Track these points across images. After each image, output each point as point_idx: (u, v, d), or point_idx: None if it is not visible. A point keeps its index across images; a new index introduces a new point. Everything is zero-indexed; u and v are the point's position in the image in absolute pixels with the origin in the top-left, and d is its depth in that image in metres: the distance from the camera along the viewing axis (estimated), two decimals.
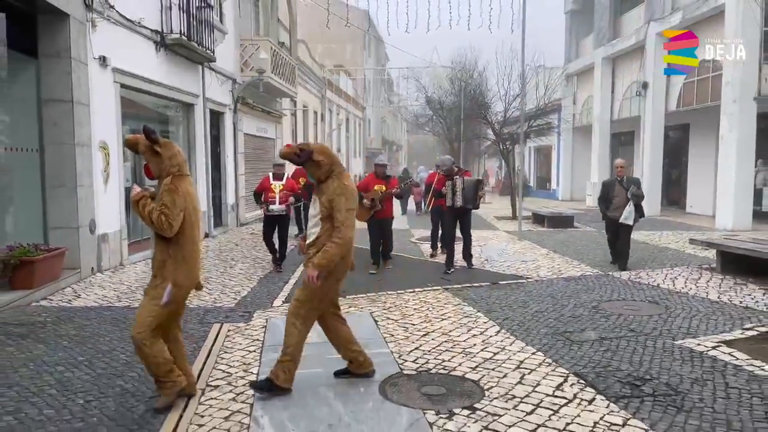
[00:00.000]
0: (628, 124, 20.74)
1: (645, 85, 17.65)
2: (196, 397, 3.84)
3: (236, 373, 4.37)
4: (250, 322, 5.80)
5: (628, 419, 3.52)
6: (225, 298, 6.87)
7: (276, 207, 8.44)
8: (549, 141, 26.61)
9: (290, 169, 9.64)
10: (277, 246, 8.67)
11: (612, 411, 3.64)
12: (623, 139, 22.99)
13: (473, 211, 8.79)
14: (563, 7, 25.52)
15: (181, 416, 3.56)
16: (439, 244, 10.12)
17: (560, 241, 11.91)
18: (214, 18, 12.24)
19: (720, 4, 13.77)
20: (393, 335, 5.31)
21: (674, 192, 19.64)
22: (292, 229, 10.07)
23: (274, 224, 8.64)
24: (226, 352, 4.87)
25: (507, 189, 22.94)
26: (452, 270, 8.40)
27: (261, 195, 8.59)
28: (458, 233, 8.86)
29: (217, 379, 4.24)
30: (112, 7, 8.27)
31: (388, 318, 5.92)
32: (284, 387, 3.83)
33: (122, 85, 8.75)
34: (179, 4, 10.28)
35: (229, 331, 5.49)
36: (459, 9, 12.32)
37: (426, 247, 10.70)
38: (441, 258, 9.38)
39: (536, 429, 3.40)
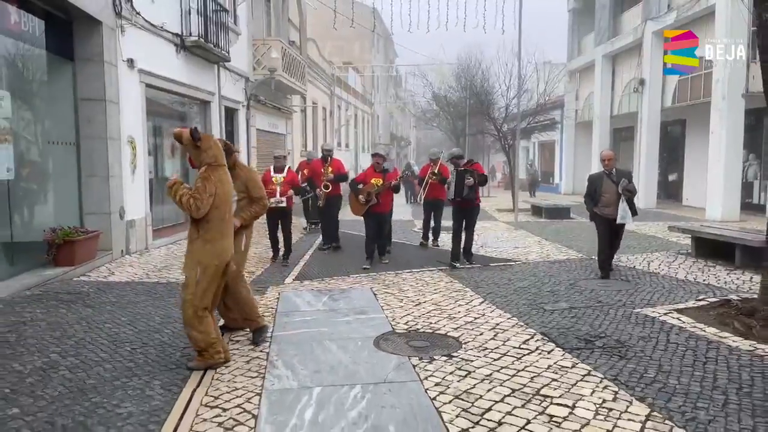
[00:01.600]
0: (628, 119, 21.34)
1: (642, 82, 18.26)
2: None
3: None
4: (265, 295, 6.59)
5: (577, 363, 4.28)
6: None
7: (274, 199, 8.14)
8: (552, 136, 27.25)
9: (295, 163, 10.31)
10: (282, 240, 8.64)
11: (565, 358, 4.40)
12: (624, 134, 23.59)
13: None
14: (566, 5, 26.08)
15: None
16: (430, 236, 10.32)
17: (554, 231, 12.62)
18: (229, 20, 13.03)
19: (711, 4, 14.37)
20: (389, 305, 6.09)
21: (672, 186, 20.25)
22: (300, 222, 10.68)
23: (277, 218, 8.55)
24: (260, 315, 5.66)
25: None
26: (458, 265, 8.21)
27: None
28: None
29: (239, 336, 5.03)
30: (139, 13, 9.07)
31: (386, 292, 6.69)
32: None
33: (147, 85, 9.57)
34: (197, 9, 11.09)
35: None
36: (458, 11, 12.97)
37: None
38: (433, 249, 9.94)
39: (500, 369, 4.17)
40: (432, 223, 10.27)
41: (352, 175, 17.35)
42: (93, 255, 7.68)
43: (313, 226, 12.01)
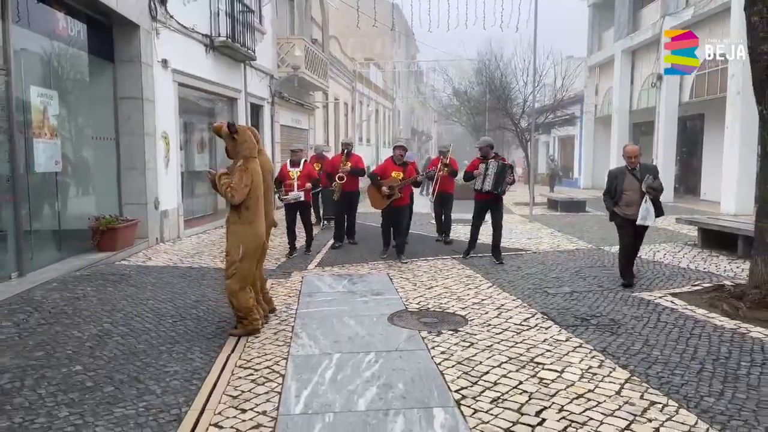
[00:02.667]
0: (647, 114, 21.45)
1: (660, 77, 18.39)
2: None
3: (280, 308, 5.71)
4: (290, 279, 7.14)
5: (570, 338, 4.73)
6: (267, 263, 8.20)
7: (293, 194, 8.34)
8: (572, 131, 27.41)
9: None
10: (301, 233, 8.76)
11: (561, 333, 4.86)
12: (644, 129, 23.65)
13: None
14: (586, 0, 26.16)
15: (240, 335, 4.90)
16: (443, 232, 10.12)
17: (567, 223, 12.97)
18: (255, 20, 13.60)
19: (727, 0, 14.50)
20: (403, 288, 6.58)
21: (691, 180, 20.35)
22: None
23: (295, 211, 8.67)
24: (272, 297, 6.21)
25: (535, 178, 23.95)
26: (470, 256, 8.32)
27: (281, 183, 8.50)
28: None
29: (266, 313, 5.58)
30: (172, 16, 9.68)
31: (401, 277, 7.19)
32: None
33: (179, 84, 10.19)
34: (226, 10, 11.67)
35: (272, 284, 6.83)
36: (476, 9, 13.35)
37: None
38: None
39: (500, 341, 4.65)
40: (443, 218, 10.07)
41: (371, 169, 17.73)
42: (132, 242, 8.33)
43: (326, 222, 11.81)
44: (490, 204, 8.10)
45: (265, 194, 4.93)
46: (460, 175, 9.13)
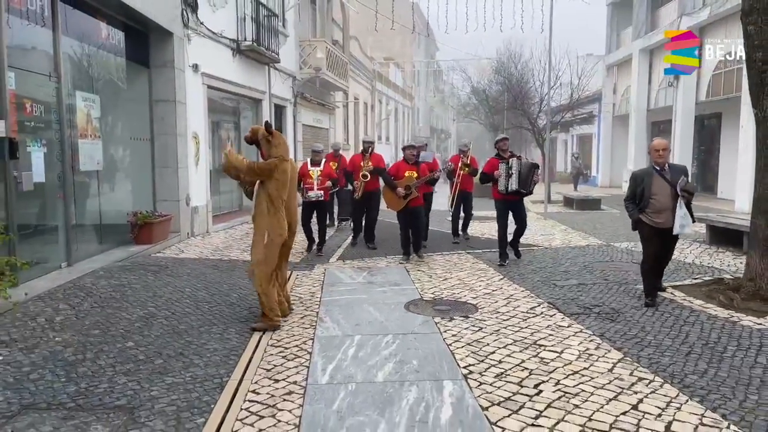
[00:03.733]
0: (665, 113, 21.55)
1: (677, 77, 18.51)
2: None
3: (306, 296, 6.21)
4: (313, 271, 7.63)
5: (572, 324, 5.14)
6: (290, 256, 8.72)
7: (313, 193, 8.47)
8: (590, 129, 27.53)
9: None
10: (316, 231, 8.87)
11: (564, 319, 5.27)
12: (662, 127, 23.72)
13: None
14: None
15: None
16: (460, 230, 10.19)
17: (581, 221, 13.29)
18: (278, 24, 14.13)
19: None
20: (419, 279, 7.04)
21: (709, 178, 20.43)
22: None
23: (312, 210, 8.74)
24: (297, 287, 6.71)
25: (552, 177, 24.11)
26: (507, 261, 7.94)
27: (300, 182, 8.38)
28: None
29: (294, 300, 6.06)
30: (203, 23, 10.24)
31: (418, 270, 7.64)
32: None
33: (208, 86, 10.75)
34: (251, 16, 12.21)
35: (297, 276, 7.33)
36: (494, 11, 13.69)
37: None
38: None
39: (507, 327, 5.08)
40: (462, 214, 10.13)
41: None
42: (166, 236, 8.90)
43: (343, 222, 11.67)
44: (513, 204, 7.89)
45: (289, 196, 5.34)
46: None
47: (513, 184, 7.61)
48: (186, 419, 3.35)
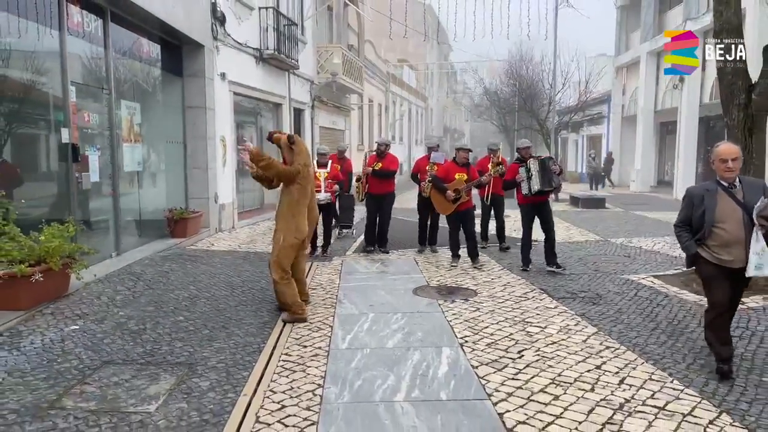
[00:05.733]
0: (672, 114, 22.09)
1: (682, 79, 19.08)
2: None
3: (326, 282, 7.04)
4: (332, 262, 8.46)
5: (558, 306, 5.91)
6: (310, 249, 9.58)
7: (322, 196, 8.34)
8: (600, 130, 28.09)
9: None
10: (322, 233, 8.83)
11: (551, 302, 6.04)
12: (669, 128, 24.25)
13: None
14: (614, 2, 26.82)
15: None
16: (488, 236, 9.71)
17: (584, 218, 13.97)
18: (297, 32, 14.99)
19: (743, 8, 15.21)
20: (427, 270, 7.83)
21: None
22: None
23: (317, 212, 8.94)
24: (317, 276, 7.54)
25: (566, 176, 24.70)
26: (530, 267, 7.80)
27: None
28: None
29: (316, 286, 6.90)
30: (229, 35, 11.12)
31: (426, 262, 8.43)
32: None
33: (234, 93, 11.63)
34: (273, 26, 13.07)
35: (317, 266, 8.16)
36: (501, 19, 14.38)
37: None
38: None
39: (501, 308, 5.86)
40: (494, 223, 9.64)
41: (405, 167, 18.86)
42: (197, 230, 9.80)
43: (345, 230, 10.96)
44: (538, 206, 7.73)
45: (310, 198, 5.86)
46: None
47: (535, 185, 7.52)
48: (234, 372, 4.19)
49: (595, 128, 28.86)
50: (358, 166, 11.23)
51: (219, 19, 10.62)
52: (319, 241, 8.96)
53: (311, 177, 5.93)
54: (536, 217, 7.79)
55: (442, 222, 8.85)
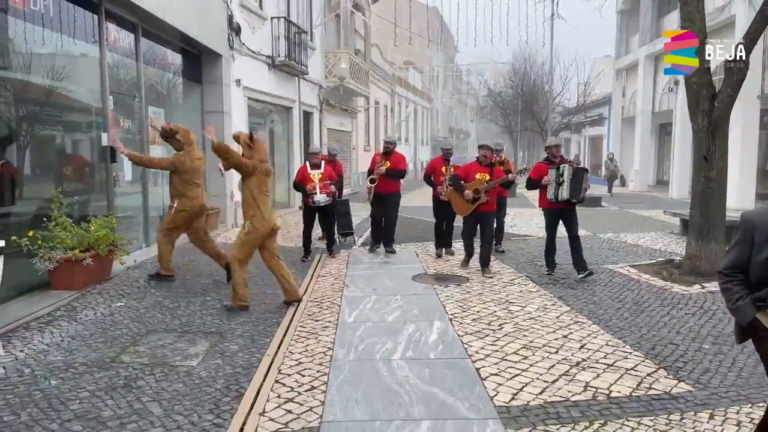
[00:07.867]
0: (669, 116, 22.76)
1: (676, 82, 19.75)
2: (311, 287, 7.31)
3: (334, 271, 7.84)
4: (338, 255, 9.25)
5: (539, 289, 6.69)
6: (320, 244, 10.36)
7: (320, 197, 8.29)
8: (600, 131, 28.77)
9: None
10: (326, 233, 9.05)
11: (534, 287, 6.82)
12: (668, 130, 24.90)
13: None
14: (615, 7, 27.49)
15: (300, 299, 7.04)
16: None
17: (579, 216, 14.65)
18: (307, 39, 15.81)
19: (732, 14, 15.91)
20: (426, 261, 8.62)
21: None
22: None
23: (314, 215, 8.62)
24: (325, 267, 8.33)
25: None
26: (555, 270, 7.55)
27: (300, 184, 8.50)
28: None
29: (326, 274, 7.70)
30: (244, 44, 11.95)
31: (426, 254, 9.22)
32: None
33: (248, 98, 12.47)
34: (284, 34, 13.90)
35: (326, 259, 8.95)
36: (501, 26, 15.14)
37: None
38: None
39: (489, 291, 6.64)
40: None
41: (410, 168, 19.70)
42: (216, 225, 10.63)
43: (346, 238, 10.36)
44: (563, 212, 7.31)
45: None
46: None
47: (564, 193, 7.04)
48: (257, 339, 5.00)
49: (597, 129, 29.52)
50: (364, 167, 12.02)
51: (235, 29, 11.46)
52: (320, 243, 9.62)
53: (270, 172, 6.13)
54: (560, 221, 7.41)
55: (458, 221, 8.65)
